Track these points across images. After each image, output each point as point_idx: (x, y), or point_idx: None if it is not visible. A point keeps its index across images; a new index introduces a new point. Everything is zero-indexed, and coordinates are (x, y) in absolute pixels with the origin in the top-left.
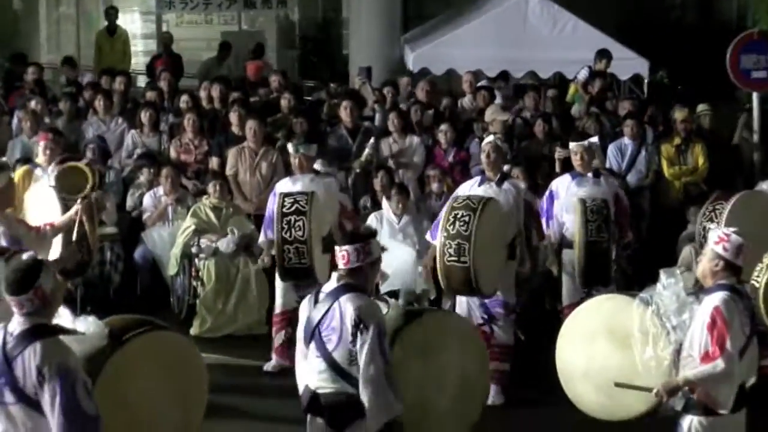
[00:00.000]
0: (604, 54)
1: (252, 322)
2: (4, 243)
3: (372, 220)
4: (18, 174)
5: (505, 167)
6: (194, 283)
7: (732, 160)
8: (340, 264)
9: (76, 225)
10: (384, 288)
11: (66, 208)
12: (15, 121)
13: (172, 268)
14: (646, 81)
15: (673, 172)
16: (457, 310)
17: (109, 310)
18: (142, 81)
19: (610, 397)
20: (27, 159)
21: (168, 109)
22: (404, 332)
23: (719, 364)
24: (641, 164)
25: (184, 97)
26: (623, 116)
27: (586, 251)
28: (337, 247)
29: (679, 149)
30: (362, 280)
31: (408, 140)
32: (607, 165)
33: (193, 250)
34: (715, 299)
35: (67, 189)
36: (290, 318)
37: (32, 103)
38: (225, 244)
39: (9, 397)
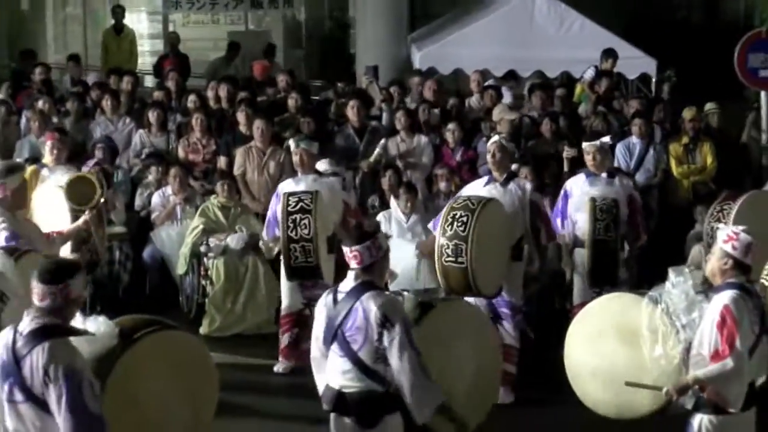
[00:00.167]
0: (610, 53)
1: (261, 321)
2: (14, 243)
3: (380, 220)
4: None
5: (513, 166)
6: (203, 282)
7: (740, 159)
8: (353, 264)
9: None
10: (392, 287)
11: (75, 217)
12: (23, 121)
13: (181, 268)
14: (653, 80)
15: (681, 171)
16: None
17: (118, 309)
18: (149, 81)
19: (620, 396)
20: (35, 159)
21: (176, 108)
22: (422, 324)
23: (729, 362)
24: (649, 163)
25: (192, 97)
26: (631, 115)
27: (594, 250)
28: (346, 249)
29: (687, 148)
30: (377, 274)
31: (416, 140)
32: (615, 164)
33: (202, 249)
34: (724, 297)
35: (75, 199)
36: (296, 320)
37: (40, 103)
38: (235, 241)
39: (18, 395)
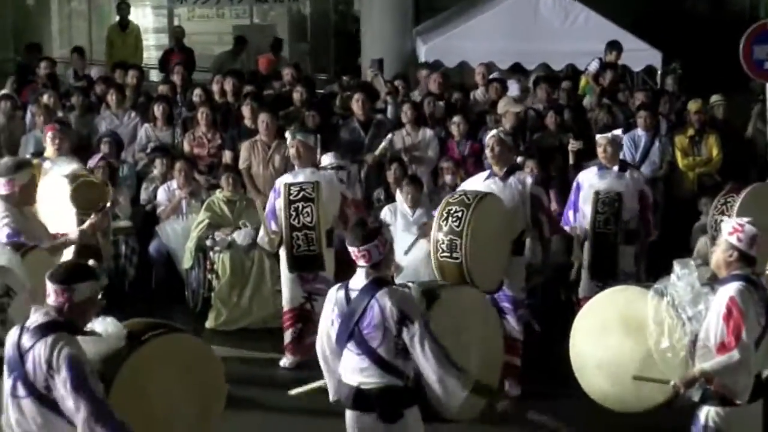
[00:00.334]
0: (614, 46)
1: (267, 315)
2: (17, 239)
3: (386, 213)
4: None
5: (519, 159)
6: (209, 276)
7: (746, 151)
8: (362, 263)
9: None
10: (398, 281)
11: (81, 221)
12: (28, 115)
13: (186, 262)
14: (659, 72)
15: (686, 163)
16: None
17: (124, 303)
18: (154, 75)
19: (626, 389)
20: (40, 153)
21: (181, 102)
22: (431, 315)
23: (735, 354)
24: (655, 155)
25: (197, 91)
26: (637, 107)
27: (593, 242)
28: (353, 248)
29: (692, 140)
30: (385, 268)
31: (421, 133)
32: (621, 156)
33: (208, 243)
34: (730, 289)
35: (81, 204)
36: (298, 315)
37: (45, 97)
38: (242, 237)
39: (21, 390)
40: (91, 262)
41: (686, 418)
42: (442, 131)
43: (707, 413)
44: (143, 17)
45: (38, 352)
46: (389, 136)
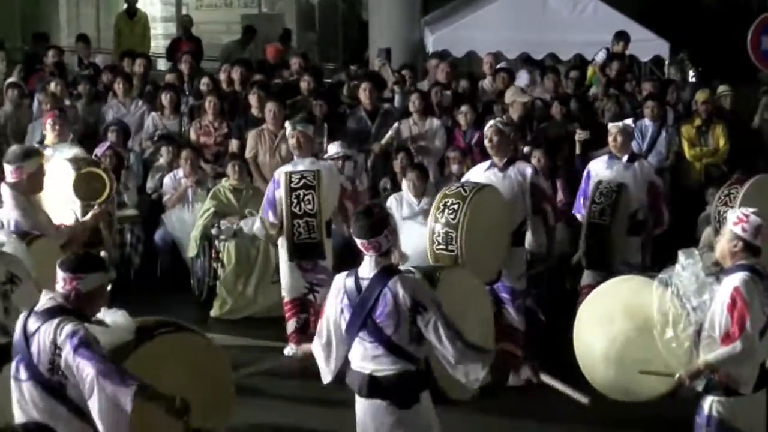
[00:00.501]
0: (621, 36)
1: (272, 304)
2: (13, 228)
3: (392, 202)
4: None
5: (525, 149)
6: (214, 264)
7: (753, 141)
8: (371, 253)
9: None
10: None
11: (84, 212)
12: (35, 104)
13: (192, 250)
14: (666, 62)
15: (693, 154)
16: None
17: (129, 291)
18: (161, 64)
19: (629, 379)
20: None
21: (188, 91)
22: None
23: (737, 345)
24: (662, 146)
25: (205, 80)
26: (644, 97)
27: (587, 232)
28: (362, 240)
29: (699, 130)
30: (391, 256)
31: (428, 123)
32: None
33: (213, 232)
34: (734, 280)
35: (85, 195)
36: (300, 305)
37: (52, 86)
38: (248, 225)
39: (23, 373)
40: (103, 253)
41: (690, 408)
42: (449, 120)
43: (711, 403)
44: (151, 6)
45: (43, 334)
46: (396, 125)
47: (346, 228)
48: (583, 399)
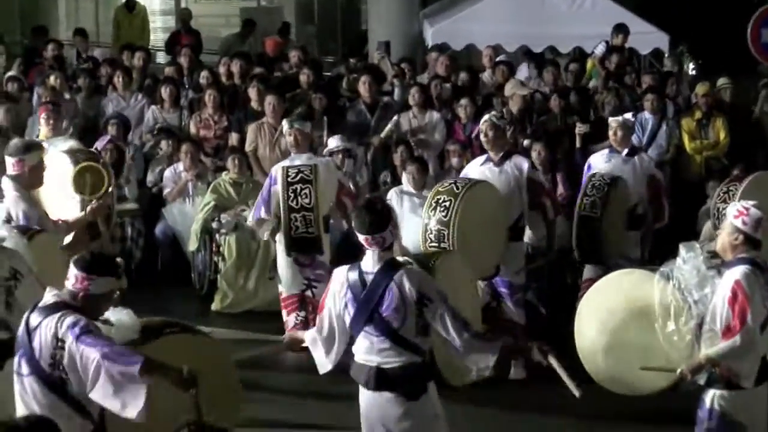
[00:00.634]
0: (620, 29)
1: (273, 298)
2: (23, 220)
3: (392, 196)
4: None
5: (525, 142)
6: (215, 258)
7: (753, 134)
8: (374, 248)
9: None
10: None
11: (83, 207)
12: (35, 97)
13: (192, 244)
14: (666, 55)
15: (694, 147)
16: None
17: (130, 285)
18: (160, 57)
19: (631, 372)
20: None
21: (188, 84)
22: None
23: (737, 339)
24: (662, 139)
25: (204, 73)
26: (644, 90)
27: (577, 224)
28: (366, 236)
29: (700, 123)
30: (393, 248)
31: (428, 116)
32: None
33: (214, 225)
34: (735, 273)
35: (83, 189)
36: (299, 301)
37: (51, 79)
38: (251, 216)
39: (25, 368)
40: (119, 260)
41: (692, 402)
42: (449, 114)
43: (713, 397)
44: None
45: (45, 329)
46: (395, 118)
47: (345, 223)
48: (576, 392)
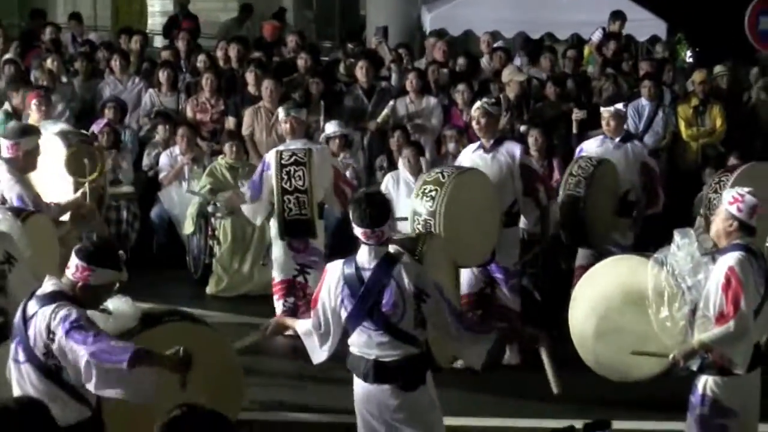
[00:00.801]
0: (618, 15)
1: (267, 282)
2: (18, 202)
3: (388, 181)
4: None
5: (522, 128)
6: (210, 242)
7: (750, 122)
8: (372, 242)
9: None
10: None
11: (76, 189)
12: (32, 80)
13: (188, 228)
14: (664, 42)
15: (690, 134)
16: (461, 273)
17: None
18: (158, 42)
19: (625, 358)
20: None
21: (185, 68)
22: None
23: (731, 325)
24: (658, 125)
25: (201, 57)
26: (641, 77)
27: (562, 204)
28: (364, 230)
29: (696, 110)
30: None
31: (425, 101)
32: (624, 126)
33: (210, 209)
34: (729, 259)
35: (76, 171)
36: (289, 287)
37: (48, 62)
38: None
39: (21, 355)
40: (121, 252)
41: (685, 388)
42: (446, 99)
43: (705, 382)
44: None
45: (40, 318)
46: (391, 102)
47: (342, 210)
48: (555, 389)
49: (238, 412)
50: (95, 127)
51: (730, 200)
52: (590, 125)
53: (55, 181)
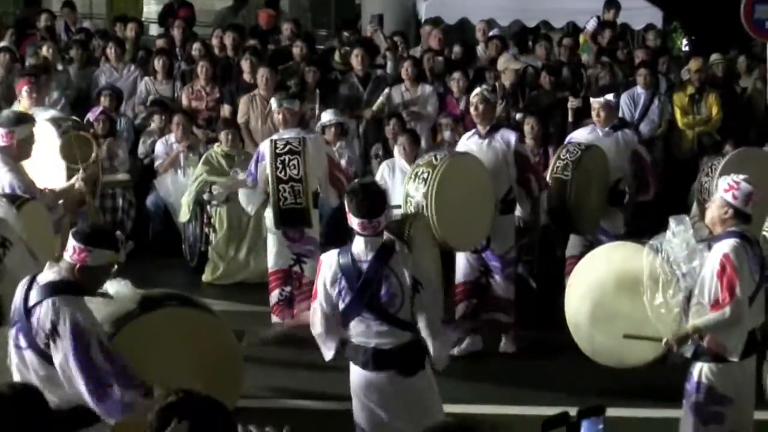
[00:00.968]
0: (612, 4)
1: (263, 270)
2: (9, 190)
3: (384, 169)
4: None
5: (518, 116)
6: (206, 230)
7: (745, 110)
8: (368, 232)
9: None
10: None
11: (69, 176)
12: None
13: (183, 215)
14: (659, 30)
15: (686, 122)
16: (457, 261)
17: None
18: (153, 30)
19: (620, 346)
20: None
21: (180, 56)
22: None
23: (727, 311)
24: (654, 114)
25: (197, 45)
26: (636, 65)
27: (550, 187)
28: (364, 220)
29: (692, 99)
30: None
31: (420, 89)
32: (620, 114)
33: (205, 197)
34: (724, 246)
35: (71, 158)
36: (284, 277)
37: (44, 49)
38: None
39: (22, 341)
40: (118, 233)
41: (680, 375)
42: (441, 87)
43: (701, 369)
44: None
45: (43, 311)
46: (387, 91)
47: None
48: None
49: (237, 398)
50: (91, 115)
51: (725, 188)
52: (586, 114)
53: (47, 168)
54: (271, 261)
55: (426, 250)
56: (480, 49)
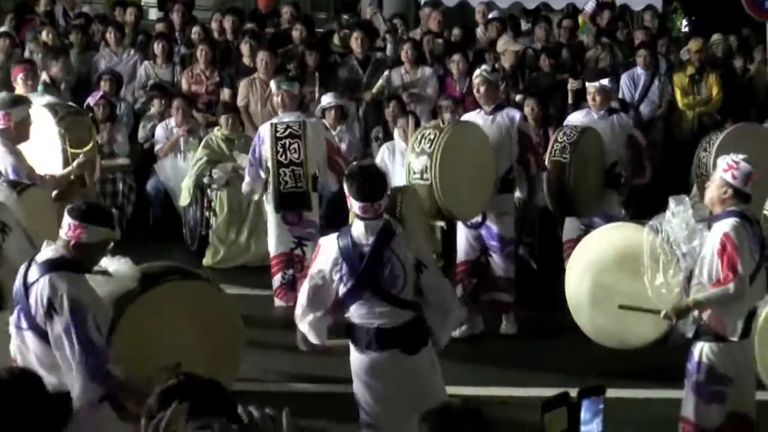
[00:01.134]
0: None
1: (264, 253)
2: (13, 175)
3: (383, 151)
4: None
5: (518, 97)
6: (207, 213)
7: (746, 91)
8: (369, 215)
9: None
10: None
11: (67, 161)
12: (27, 53)
13: (184, 200)
14: (659, 11)
15: (686, 102)
16: (458, 240)
17: (121, 241)
18: (152, 14)
19: (621, 326)
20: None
21: (180, 40)
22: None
23: (730, 287)
24: (654, 95)
25: (196, 29)
26: (636, 46)
27: (548, 170)
28: (366, 204)
29: (692, 79)
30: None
31: (420, 71)
32: (620, 95)
33: (206, 180)
34: (724, 225)
35: (70, 142)
36: (287, 260)
37: (44, 34)
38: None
39: (23, 322)
40: (113, 210)
41: (681, 355)
42: (441, 69)
43: (701, 349)
44: None
45: (41, 287)
46: (386, 73)
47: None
48: None
49: (236, 370)
50: (91, 100)
51: (724, 167)
52: (586, 95)
53: (44, 153)
54: (272, 245)
55: (418, 225)
56: (479, 31)
